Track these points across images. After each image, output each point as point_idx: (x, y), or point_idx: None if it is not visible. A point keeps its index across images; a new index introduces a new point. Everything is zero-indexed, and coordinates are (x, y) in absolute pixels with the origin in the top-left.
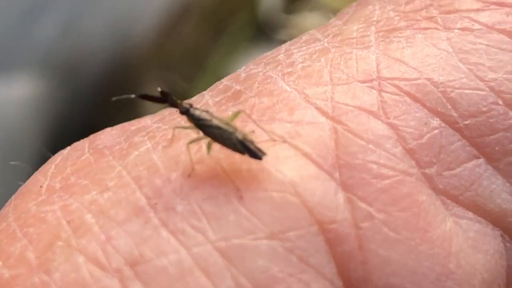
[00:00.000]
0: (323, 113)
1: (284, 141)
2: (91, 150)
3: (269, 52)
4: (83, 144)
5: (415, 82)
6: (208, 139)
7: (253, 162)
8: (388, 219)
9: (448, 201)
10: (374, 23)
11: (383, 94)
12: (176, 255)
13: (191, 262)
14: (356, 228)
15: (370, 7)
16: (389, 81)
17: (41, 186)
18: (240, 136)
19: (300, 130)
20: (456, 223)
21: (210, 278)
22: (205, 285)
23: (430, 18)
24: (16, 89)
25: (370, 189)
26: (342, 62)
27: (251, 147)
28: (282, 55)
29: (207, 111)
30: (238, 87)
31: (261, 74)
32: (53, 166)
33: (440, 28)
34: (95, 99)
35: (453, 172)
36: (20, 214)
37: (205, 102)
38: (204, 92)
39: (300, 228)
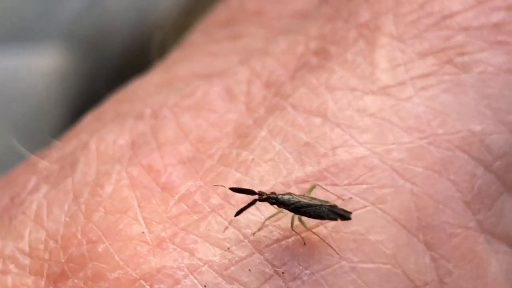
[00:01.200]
0: (400, 175)
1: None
2: None
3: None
4: None
5: (460, 135)
6: (289, 214)
7: (343, 227)
8: (461, 272)
9: (490, 237)
10: (403, 69)
11: (441, 151)
12: None
13: None
14: (441, 284)
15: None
16: (442, 136)
17: None
18: (328, 206)
19: (385, 196)
20: (497, 259)
21: None
22: None
23: (450, 62)
24: (43, 60)
25: (446, 247)
26: (395, 115)
27: (341, 212)
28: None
29: (290, 193)
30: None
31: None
32: None
33: (462, 73)
34: (118, 72)
35: (492, 211)
36: None
37: None
38: None
39: None
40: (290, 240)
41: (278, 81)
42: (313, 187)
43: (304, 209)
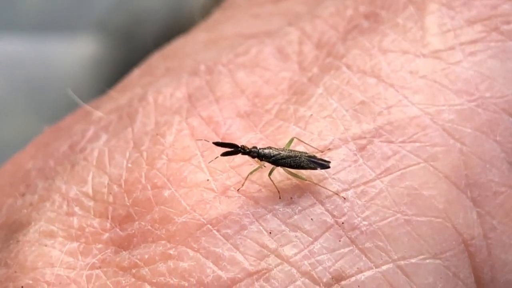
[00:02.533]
0: (450, 134)
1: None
2: None
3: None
4: None
5: (506, 99)
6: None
7: (398, 181)
8: (504, 228)
9: None
10: (453, 34)
11: (488, 113)
12: (369, 272)
13: (381, 278)
14: (486, 239)
15: (436, 15)
16: (489, 100)
17: None
18: (307, 156)
19: (437, 154)
20: None
21: None
22: None
23: (497, 30)
24: (79, 48)
25: (492, 204)
26: (445, 78)
27: (319, 161)
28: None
29: (270, 147)
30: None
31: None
32: None
33: (508, 40)
34: None
35: None
36: None
37: None
38: None
39: (453, 248)
40: (349, 192)
41: (329, 42)
42: (291, 139)
43: (284, 160)
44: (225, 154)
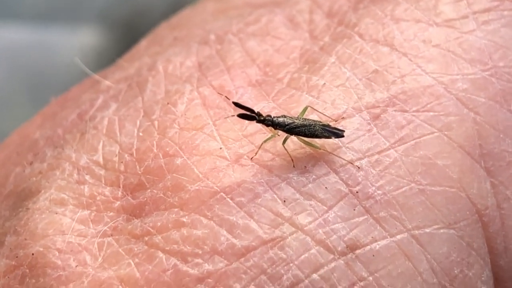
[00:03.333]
0: (464, 104)
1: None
2: None
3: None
4: None
5: None
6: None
7: (412, 151)
8: None
9: None
10: (465, 3)
11: (502, 82)
12: (384, 241)
13: (396, 247)
14: (499, 209)
15: None
16: (503, 69)
17: None
18: (321, 125)
19: (451, 123)
20: None
21: (412, 262)
22: (409, 267)
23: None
24: (81, 39)
25: (505, 174)
26: (459, 47)
27: (333, 130)
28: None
29: (284, 116)
30: None
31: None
32: None
33: None
34: None
35: None
36: None
37: None
38: None
39: (467, 218)
40: (363, 161)
41: (340, 10)
42: (305, 108)
43: (298, 129)
44: (241, 116)
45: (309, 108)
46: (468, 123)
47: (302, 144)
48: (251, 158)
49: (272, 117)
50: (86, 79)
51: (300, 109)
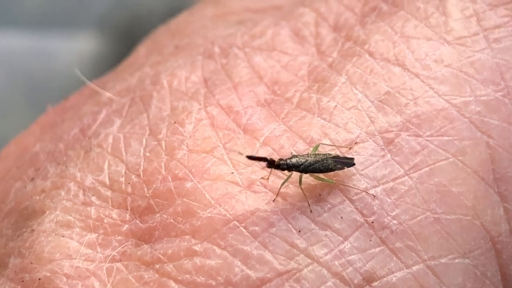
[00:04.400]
0: (477, 127)
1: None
2: None
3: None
4: None
5: None
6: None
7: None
8: None
9: None
10: (475, 19)
11: None
12: (400, 273)
13: (412, 279)
14: None
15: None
16: None
17: None
18: (331, 157)
19: (465, 148)
20: None
21: None
22: None
23: None
24: (80, 45)
25: None
26: (471, 67)
27: (344, 160)
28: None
29: (296, 156)
30: None
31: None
32: None
33: None
34: None
35: None
36: None
37: None
38: None
39: (481, 246)
40: (378, 189)
41: (346, 24)
42: (317, 145)
43: (312, 166)
44: (252, 158)
45: (320, 144)
46: (482, 147)
47: (318, 181)
48: (273, 200)
49: (285, 160)
50: (85, 87)
51: (312, 133)
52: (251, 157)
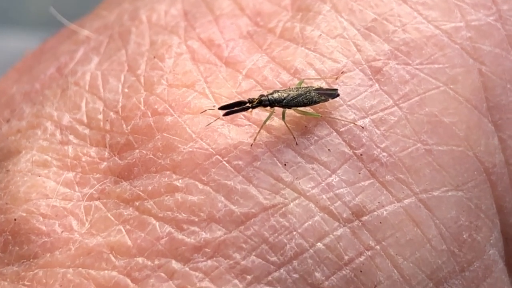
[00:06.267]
0: (469, 54)
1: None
2: None
3: None
4: None
5: None
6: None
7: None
8: None
9: None
10: None
11: (507, 27)
12: (391, 207)
13: (403, 213)
14: (507, 165)
15: None
16: (508, 12)
17: None
18: (314, 89)
19: (457, 76)
20: None
21: (420, 228)
22: (417, 234)
23: None
24: None
25: None
26: None
27: (328, 91)
28: None
29: (277, 91)
30: None
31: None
32: None
33: None
34: None
35: None
36: None
37: None
38: None
39: (475, 178)
40: (366, 120)
41: None
42: (301, 81)
43: (295, 100)
44: (231, 112)
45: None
46: (474, 74)
47: (302, 115)
48: (251, 145)
49: (267, 95)
50: (64, 29)
51: (296, 63)
52: (222, 107)
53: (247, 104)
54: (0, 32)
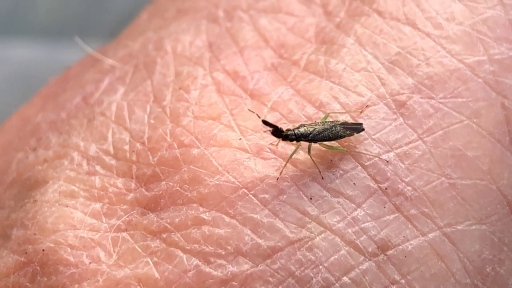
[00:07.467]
0: (492, 88)
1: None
2: None
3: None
4: None
5: None
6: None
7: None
8: None
9: None
10: None
11: None
12: (416, 241)
13: (428, 247)
14: None
15: None
16: None
17: None
18: (339, 124)
19: (480, 109)
20: None
21: (445, 262)
22: (441, 268)
23: None
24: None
25: None
26: (483, 25)
27: (353, 126)
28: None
29: (303, 125)
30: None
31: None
32: None
33: None
34: None
35: None
36: None
37: None
38: None
39: (498, 211)
40: (391, 154)
41: None
42: (326, 115)
43: (321, 134)
44: (265, 123)
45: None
46: (497, 108)
47: (326, 149)
48: (277, 179)
49: (293, 130)
50: (87, 57)
51: (321, 96)
52: (265, 122)
53: (281, 133)
54: (7, 41)
